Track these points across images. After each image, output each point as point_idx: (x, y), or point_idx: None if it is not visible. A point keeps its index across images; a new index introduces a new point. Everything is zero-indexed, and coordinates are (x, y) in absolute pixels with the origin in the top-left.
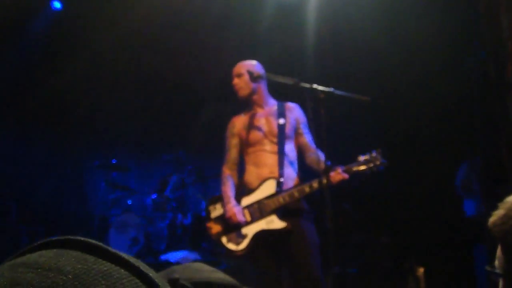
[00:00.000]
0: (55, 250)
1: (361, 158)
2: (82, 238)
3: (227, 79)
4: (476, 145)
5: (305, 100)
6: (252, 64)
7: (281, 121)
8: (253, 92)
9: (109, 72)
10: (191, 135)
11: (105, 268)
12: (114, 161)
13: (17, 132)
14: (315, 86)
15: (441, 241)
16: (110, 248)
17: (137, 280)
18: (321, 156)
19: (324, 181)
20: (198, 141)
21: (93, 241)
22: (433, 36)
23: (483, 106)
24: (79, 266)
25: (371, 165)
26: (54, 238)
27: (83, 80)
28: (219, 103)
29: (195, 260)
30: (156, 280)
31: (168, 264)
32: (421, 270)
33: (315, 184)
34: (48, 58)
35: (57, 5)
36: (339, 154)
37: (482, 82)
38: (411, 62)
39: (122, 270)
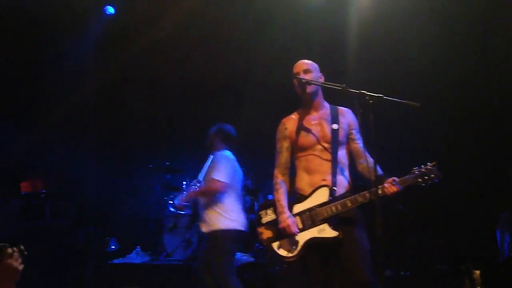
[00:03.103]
0: None
1: (416, 170)
2: None
3: (270, 80)
4: None
5: (353, 105)
6: (303, 67)
7: (335, 126)
8: (309, 92)
9: (160, 75)
10: (241, 137)
11: None
12: (167, 164)
13: (74, 138)
14: (363, 91)
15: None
16: None
17: None
18: (372, 163)
19: (379, 192)
20: (248, 142)
21: None
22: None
23: None
24: None
25: (426, 178)
26: None
27: (135, 84)
28: (263, 104)
29: (248, 262)
30: None
31: None
32: (477, 272)
33: (368, 195)
34: (101, 62)
35: (111, 10)
36: (389, 160)
37: None
38: (461, 66)
39: None
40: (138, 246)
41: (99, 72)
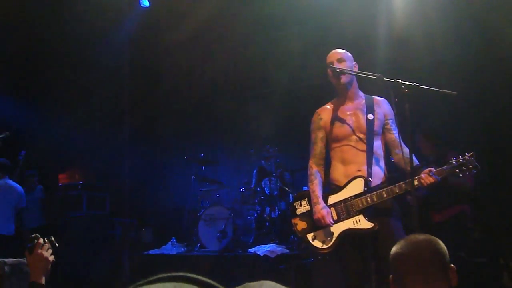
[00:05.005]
0: (172, 283)
1: (454, 161)
2: (197, 276)
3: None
4: None
5: (388, 95)
6: (337, 57)
7: (370, 116)
8: (343, 82)
9: (195, 67)
10: (276, 129)
11: None
12: (201, 155)
13: (110, 130)
14: (398, 80)
15: None
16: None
17: None
18: (408, 154)
19: (415, 182)
20: (282, 134)
21: (208, 280)
22: None
23: None
24: None
25: (464, 168)
26: (173, 274)
27: (170, 76)
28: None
29: (282, 253)
30: None
31: (256, 257)
32: None
33: (404, 185)
34: (137, 54)
35: (146, 2)
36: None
37: None
38: (496, 55)
39: None
40: (174, 237)
41: (134, 64)
